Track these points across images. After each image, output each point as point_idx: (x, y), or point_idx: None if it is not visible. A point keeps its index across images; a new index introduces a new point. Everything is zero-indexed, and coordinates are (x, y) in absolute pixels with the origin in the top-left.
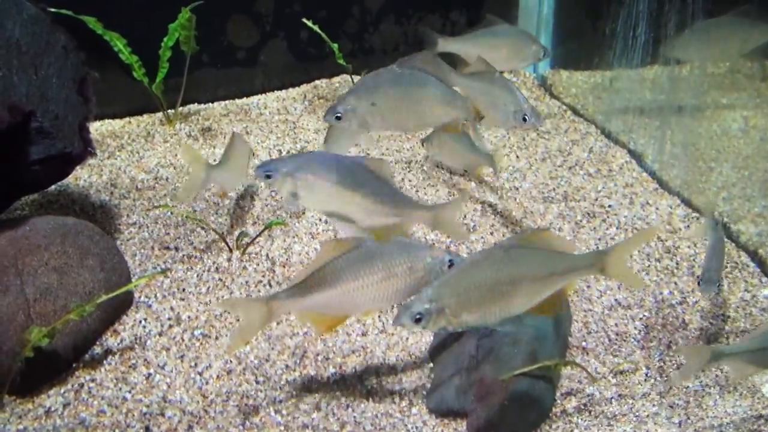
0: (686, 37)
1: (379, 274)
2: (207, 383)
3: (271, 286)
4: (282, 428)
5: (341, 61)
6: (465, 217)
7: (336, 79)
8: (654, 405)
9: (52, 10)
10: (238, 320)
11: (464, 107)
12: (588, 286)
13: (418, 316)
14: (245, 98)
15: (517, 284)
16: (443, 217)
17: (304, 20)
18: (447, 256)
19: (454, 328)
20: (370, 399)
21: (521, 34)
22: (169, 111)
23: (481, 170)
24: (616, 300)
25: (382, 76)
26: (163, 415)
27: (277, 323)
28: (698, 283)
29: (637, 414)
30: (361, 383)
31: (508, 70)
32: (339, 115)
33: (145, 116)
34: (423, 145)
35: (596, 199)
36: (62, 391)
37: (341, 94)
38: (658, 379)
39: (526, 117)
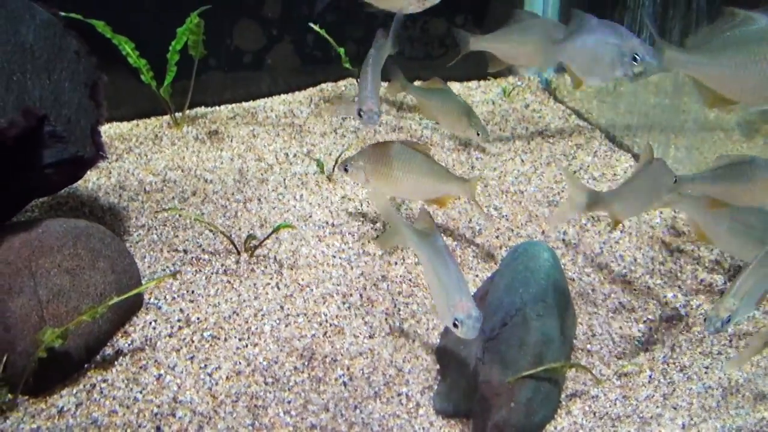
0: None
1: None
2: (217, 384)
3: (279, 288)
4: (291, 429)
5: (347, 65)
6: (470, 220)
7: (342, 83)
8: (658, 406)
9: (64, 14)
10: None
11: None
12: (593, 290)
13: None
14: (252, 101)
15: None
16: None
17: (311, 24)
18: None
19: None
20: (378, 400)
21: (554, 26)
22: (177, 114)
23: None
24: (620, 303)
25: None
26: (173, 415)
27: (286, 325)
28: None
29: (641, 415)
30: (369, 385)
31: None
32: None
33: (153, 119)
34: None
35: None
36: (74, 391)
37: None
38: (662, 380)
39: (638, 56)
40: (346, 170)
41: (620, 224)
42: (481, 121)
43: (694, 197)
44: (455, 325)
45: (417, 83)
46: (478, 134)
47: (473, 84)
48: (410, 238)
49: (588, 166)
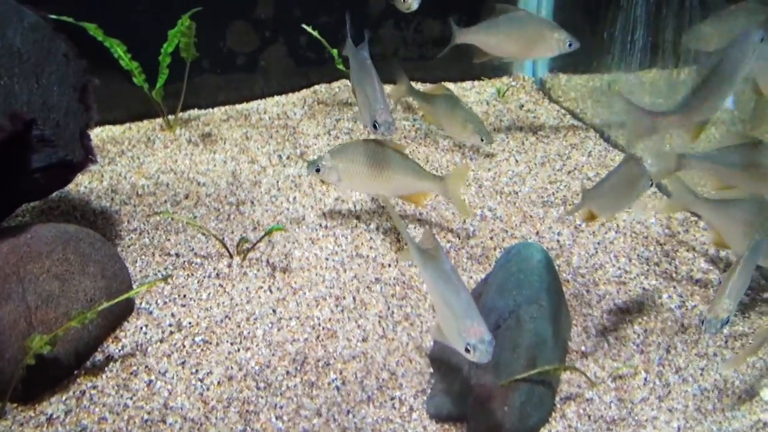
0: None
1: None
2: (208, 389)
3: (271, 291)
4: None
5: (340, 66)
6: (464, 222)
7: (335, 84)
8: (653, 409)
9: (53, 17)
10: None
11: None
12: (587, 291)
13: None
14: (245, 103)
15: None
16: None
17: (304, 26)
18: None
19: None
20: (371, 404)
21: (540, 21)
22: (170, 116)
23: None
24: (615, 304)
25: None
26: (164, 421)
27: (278, 329)
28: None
29: (636, 418)
30: (362, 389)
31: (531, 59)
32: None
33: (145, 122)
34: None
35: None
36: (64, 398)
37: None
38: (657, 383)
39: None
40: (317, 170)
41: (594, 219)
42: (485, 126)
43: (712, 201)
44: (467, 350)
45: (412, 84)
46: (482, 140)
47: (468, 84)
48: (417, 260)
49: (582, 166)
